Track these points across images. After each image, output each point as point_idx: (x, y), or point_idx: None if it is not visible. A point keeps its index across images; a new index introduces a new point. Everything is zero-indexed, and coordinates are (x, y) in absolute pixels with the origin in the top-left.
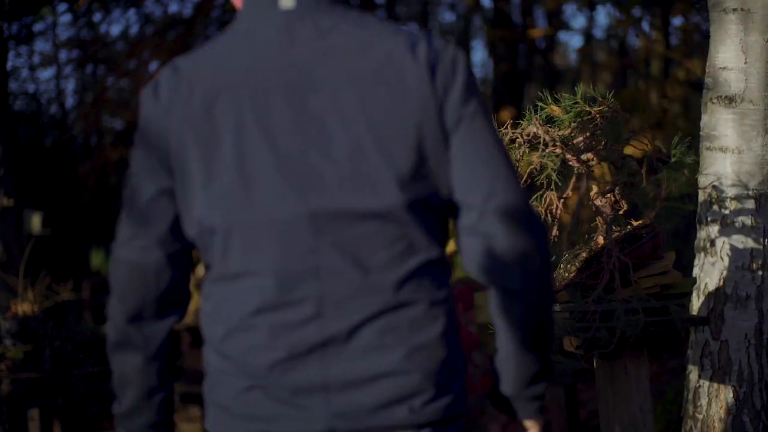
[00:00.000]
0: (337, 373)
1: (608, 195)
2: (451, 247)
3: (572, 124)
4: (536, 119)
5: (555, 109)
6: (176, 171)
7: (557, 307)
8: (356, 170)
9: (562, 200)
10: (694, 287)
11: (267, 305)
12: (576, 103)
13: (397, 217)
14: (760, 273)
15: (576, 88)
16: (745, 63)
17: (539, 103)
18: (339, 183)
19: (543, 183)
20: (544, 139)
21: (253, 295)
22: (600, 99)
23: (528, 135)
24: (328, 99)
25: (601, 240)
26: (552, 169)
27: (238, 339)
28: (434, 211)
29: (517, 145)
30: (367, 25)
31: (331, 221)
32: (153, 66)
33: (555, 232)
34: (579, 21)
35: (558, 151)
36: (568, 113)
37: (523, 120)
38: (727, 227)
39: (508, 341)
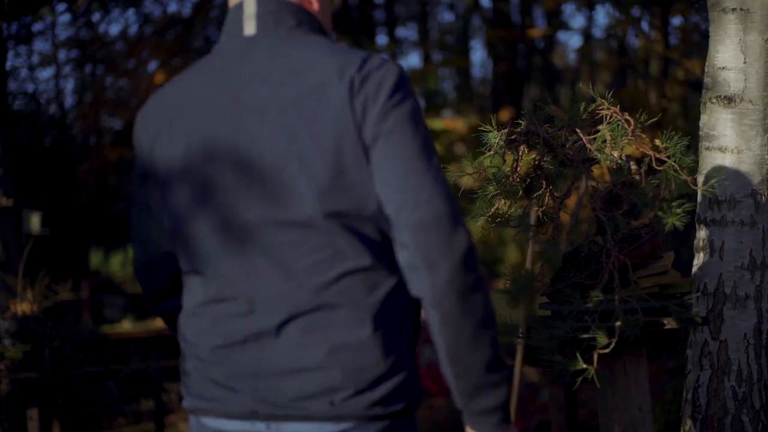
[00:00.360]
0: (266, 363)
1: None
2: None
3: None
4: (535, 118)
5: (554, 109)
6: (152, 183)
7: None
8: (279, 183)
9: (560, 200)
10: (693, 287)
11: (210, 298)
12: (575, 102)
13: (319, 226)
14: (759, 273)
15: (576, 88)
16: (745, 63)
17: (539, 103)
18: (263, 194)
19: (542, 183)
20: (543, 138)
21: (201, 289)
22: (600, 99)
23: (526, 134)
24: (259, 118)
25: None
26: (550, 168)
27: (191, 324)
28: (365, 222)
29: (516, 144)
30: (313, 50)
31: (257, 229)
32: (152, 66)
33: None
34: (578, 21)
35: (556, 150)
36: (567, 113)
37: (521, 120)
38: (726, 227)
39: (438, 351)
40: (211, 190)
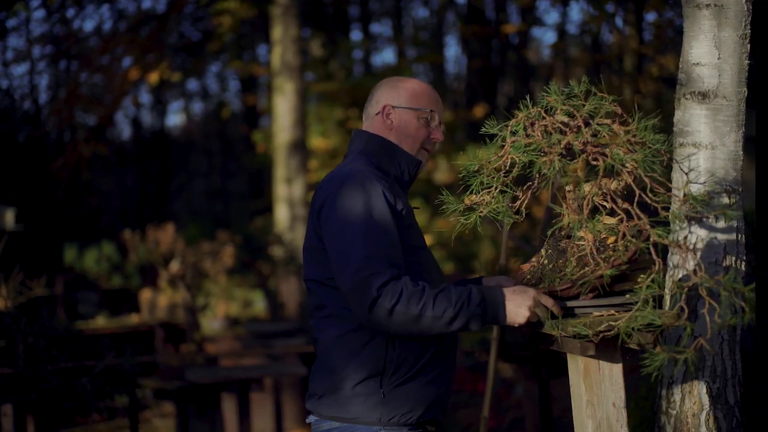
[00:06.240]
0: None
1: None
2: (440, 225)
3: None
4: (560, 110)
5: (553, 101)
6: None
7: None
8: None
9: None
10: (668, 283)
11: None
12: (575, 96)
13: None
14: (733, 269)
15: (571, 82)
16: (719, 59)
17: (543, 94)
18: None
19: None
20: (567, 124)
21: None
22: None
23: (557, 123)
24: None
25: (589, 236)
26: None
27: None
28: None
29: (550, 131)
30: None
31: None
32: (126, 62)
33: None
34: (552, 17)
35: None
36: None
37: (493, 115)
38: (701, 223)
39: None
40: None
